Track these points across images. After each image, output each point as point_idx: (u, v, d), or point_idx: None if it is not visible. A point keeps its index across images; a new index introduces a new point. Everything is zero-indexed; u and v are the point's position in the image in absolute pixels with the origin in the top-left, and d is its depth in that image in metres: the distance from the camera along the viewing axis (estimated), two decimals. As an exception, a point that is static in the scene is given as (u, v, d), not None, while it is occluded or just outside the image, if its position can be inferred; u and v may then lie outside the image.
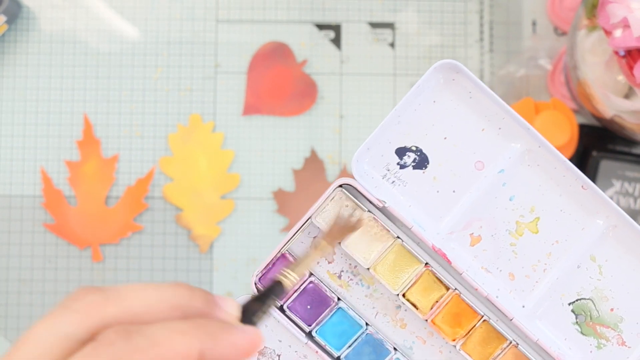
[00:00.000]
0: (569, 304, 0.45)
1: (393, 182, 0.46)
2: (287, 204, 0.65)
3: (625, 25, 0.52)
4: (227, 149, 0.65)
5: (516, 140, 0.44)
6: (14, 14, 0.65)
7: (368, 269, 0.44)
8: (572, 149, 0.59)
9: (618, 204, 0.61)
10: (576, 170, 0.43)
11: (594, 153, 0.61)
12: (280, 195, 0.65)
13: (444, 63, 0.43)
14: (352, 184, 0.44)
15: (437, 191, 0.45)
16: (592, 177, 0.61)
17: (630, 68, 0.52)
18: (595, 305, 0.45)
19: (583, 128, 0.63)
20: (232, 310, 0.32)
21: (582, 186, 0.44)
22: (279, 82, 0.66)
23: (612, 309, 0.45)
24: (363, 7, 0.66)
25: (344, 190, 0.45)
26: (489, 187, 0.45)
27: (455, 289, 0.45)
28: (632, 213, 0.61)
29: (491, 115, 0.44)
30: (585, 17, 0.55)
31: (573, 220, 0.44)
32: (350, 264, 0.46)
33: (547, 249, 0.45)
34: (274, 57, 0.66)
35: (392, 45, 0.66)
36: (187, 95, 0.66)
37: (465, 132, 0.45)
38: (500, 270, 0.45)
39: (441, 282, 0.45)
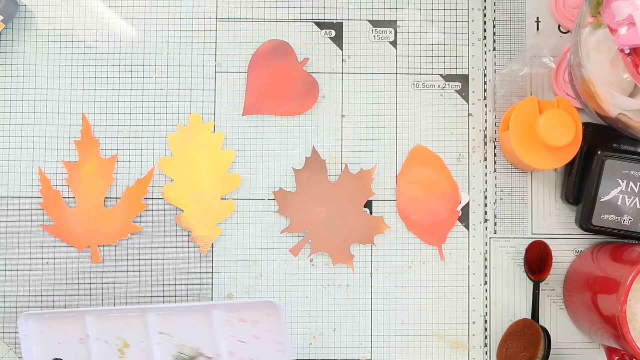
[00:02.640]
0: None
1: None
2: (288, 204, 0.64)
3: (631, 22, 0.51)
4: (227, 149, 0.65)
5: None
6: (11, 12, 0.64)
7: None
8: (576, 148, 0.59)
9: (623, 203, 0.60)
10: None
11: (599, 152, 0.60)
12: (281, 196, 0.64)
13: None
14: None
15: None
16: (597, 176, 0.60)
17: (636, 66, 0.52)
18: None
19: (587, 127, 0.62)
20: None
21: None
22: (279, 81, 0.65)
23: None
24: (364, 5, 0.65)
25: None
26: None
27: None
28: (637, 212, 0.60)
29: None
30: (589, 15, 0.55)
31: None
32: None
33: None
34: (275, 56, 0.65)
35: (393, 43, 0.65)
36: (187, 95, 0.65)
37: None
38: None
39: None
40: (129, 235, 0.64)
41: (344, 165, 0.65)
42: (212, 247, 0.64)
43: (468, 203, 0.64)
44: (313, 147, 0.65)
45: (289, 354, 0.60)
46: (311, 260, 0.64)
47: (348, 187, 0.64)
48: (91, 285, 0.64)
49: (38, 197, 0.64)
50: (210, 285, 0.64)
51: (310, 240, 0.64)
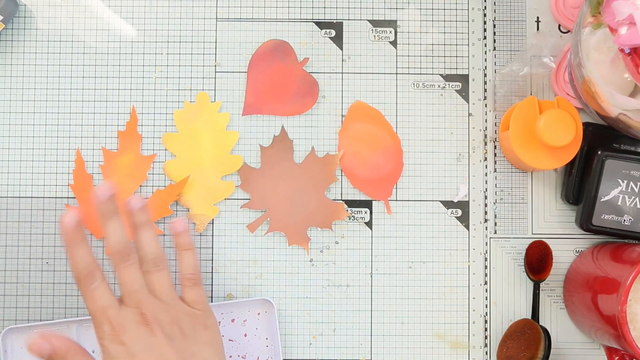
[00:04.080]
0: None
1: None
2: (251, 180, 0.64)
3: (631, 22, 0.51)
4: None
5: None
6: (11, 12, 0.64)
7: None
8: (576, 148, 0.59)
9: (623, 203, 0.60)
10: None
11: (599, 152, 0.60)
12: (244, 171, 0.64)
13: None
14: None
15: None
16: (597, 176, 0.60)
17: (636, 66, 0.52)
18: None
19: (588, 127, 0.62)
20: None
21: None
22: (279, 81, 0.65)
23: None
24: (364, 5, 0.65)
25: None
26: None
27: None
28: (638, 212, 0.60)
29: None
30: (589, 15, 0.55)
31: None
32: None
33: None
34: (275, 56, 0.65)
35: (393, 43, 0.65)
36: (187, 95, 0.65)
37: None
38: None
39: None
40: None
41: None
42: (212, 247, 0.64)
43: (468, 203, 0.64)
44: (282, 126, 0.65)
45: (277, 348, 0.62)
46: (311, 260, 0.64)
47: (312, 169, 0.64)
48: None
49: (38, 197, 0.64)
50: (210, 285, 0.64)
51: (268, 219, 0.64)
